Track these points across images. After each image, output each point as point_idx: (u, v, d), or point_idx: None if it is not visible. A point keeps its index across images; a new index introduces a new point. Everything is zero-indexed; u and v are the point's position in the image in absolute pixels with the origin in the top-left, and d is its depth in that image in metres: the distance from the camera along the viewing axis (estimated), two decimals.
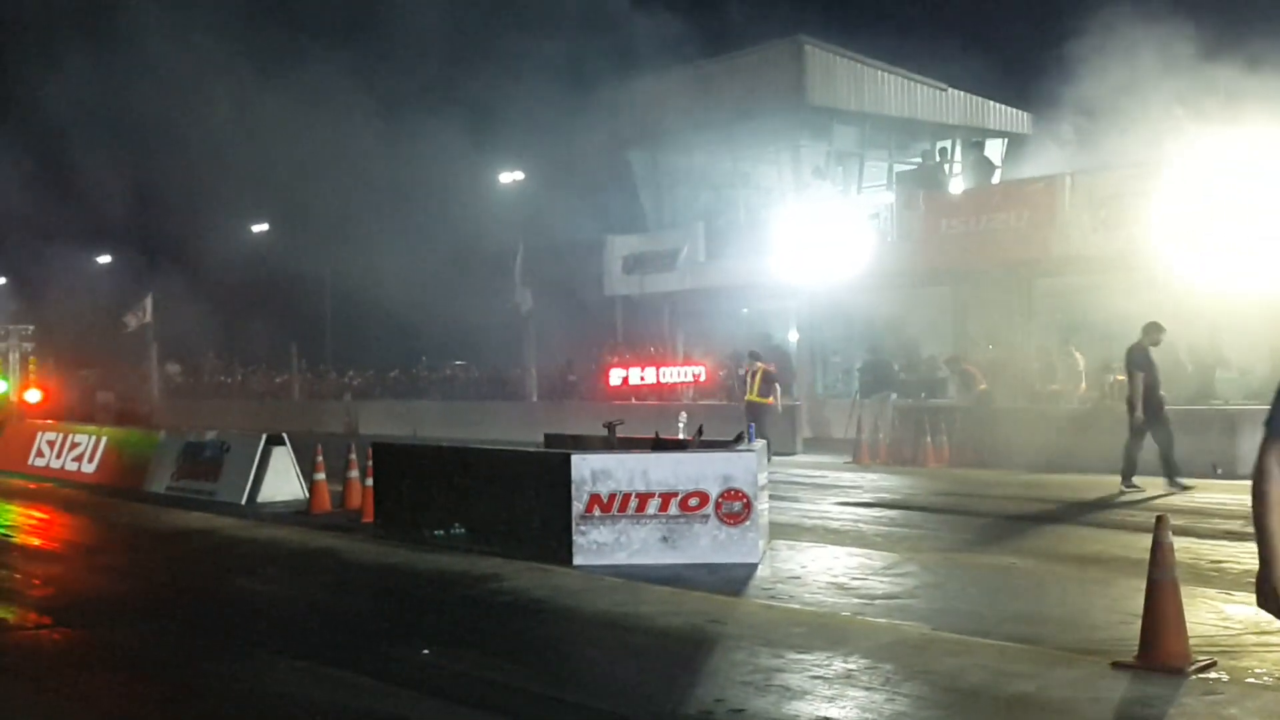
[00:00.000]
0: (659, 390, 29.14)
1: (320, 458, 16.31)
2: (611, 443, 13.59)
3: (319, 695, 7.37)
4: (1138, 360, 16.65)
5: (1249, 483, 3.78)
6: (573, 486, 11.44)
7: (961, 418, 21.54)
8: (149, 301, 41.52)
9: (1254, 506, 3.75)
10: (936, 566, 11.23)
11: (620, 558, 11.27)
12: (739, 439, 13.37)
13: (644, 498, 11.35)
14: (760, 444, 12.75)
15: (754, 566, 11.03)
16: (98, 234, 50.62)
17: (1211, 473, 17.39)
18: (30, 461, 23.21)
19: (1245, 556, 11.16)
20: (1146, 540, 7.50)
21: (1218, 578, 10.13)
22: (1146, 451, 16.75)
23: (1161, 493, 16.07)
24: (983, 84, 32.62)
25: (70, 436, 22.64)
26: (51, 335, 32.77)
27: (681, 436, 15.83)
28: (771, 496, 12.94)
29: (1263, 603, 3.77)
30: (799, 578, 10.58)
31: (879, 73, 31.76)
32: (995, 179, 28.53)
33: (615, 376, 29.55)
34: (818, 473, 20.06)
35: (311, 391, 43.12)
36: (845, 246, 26.09)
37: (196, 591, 11.34)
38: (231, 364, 49.08)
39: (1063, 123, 25.23)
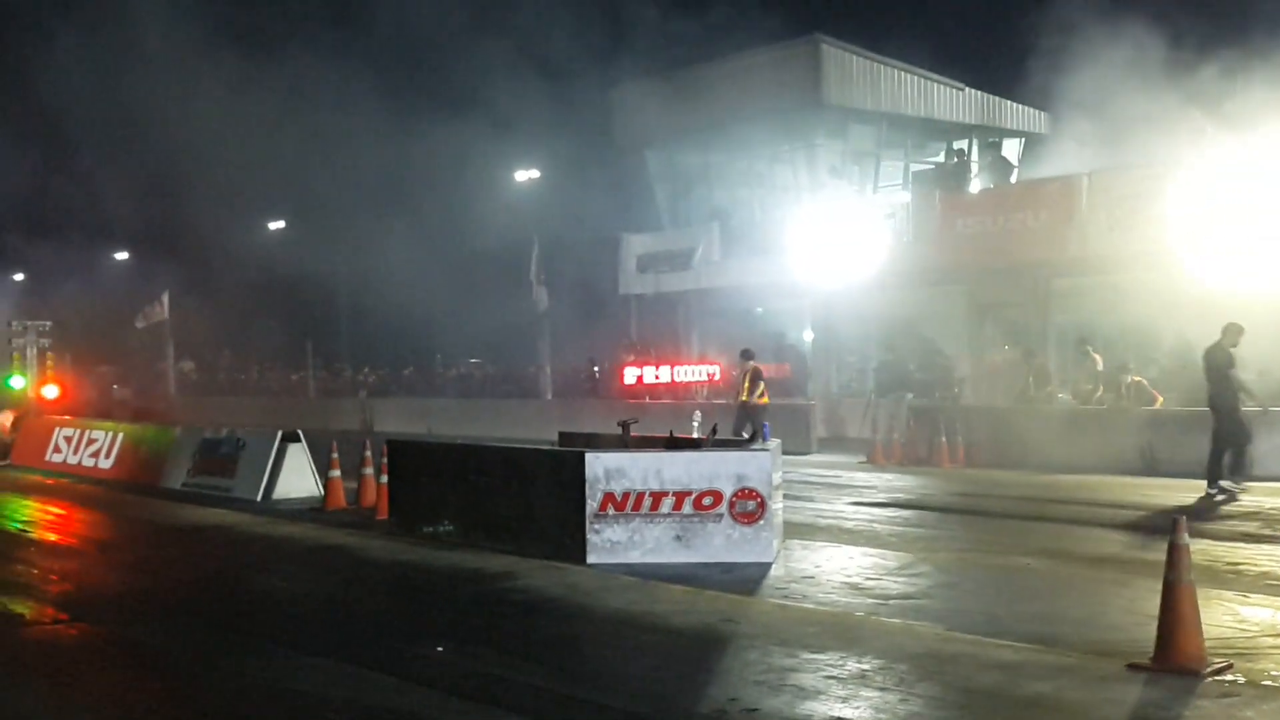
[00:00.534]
0: (673, 389, 29.14)
1: (335, 455, 16.36)
2: (626, 441, 13.59)
3: (334, 692, 7.39)
4: (1223, 361, 16.10)
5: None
6: (587, 485, 11.45)
7: (977, 418, 21.48)
8: (165, 299, 41.69)
9: None
10: (951, 567, 11.21)
11: (634, 556, 11.28)
12: (753, 438, 13.36)
13: (658, 496, 11.35)
14: (775, 443, 12.73)
15: (768, 566, 11.02)
16: (115, 232, 50.89)
17: (1228, 475, 17.31)
18: (47, 457, 23.33)
19: (1262, 559, 11.12)
20: (1163, 542, 7.48)
21: (1235, 580, 10.08)
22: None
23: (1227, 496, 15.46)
24: (1000, 83, 32.56)
25: (87, 432, 22.75)
26: (69, 332, 32.89)
27: (696, 435, 15.82)
28: (786, 496, 12.92)
29: None
30: (813, 577, 10.56)
31: (896, 72, 31.70)
32: (1013, 179, 28.45)
33: (630, 375, 29.56)
34: (832, 472, 20.03)
35: (326, 389, 43.24)
36: (861, 246, 26.04)
37: (212, 587, 11.38)
38: (247, 361, 49.24)
39: (1080, 123, 25.13)
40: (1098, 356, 21.51)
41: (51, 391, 28.41)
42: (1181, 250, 20.27)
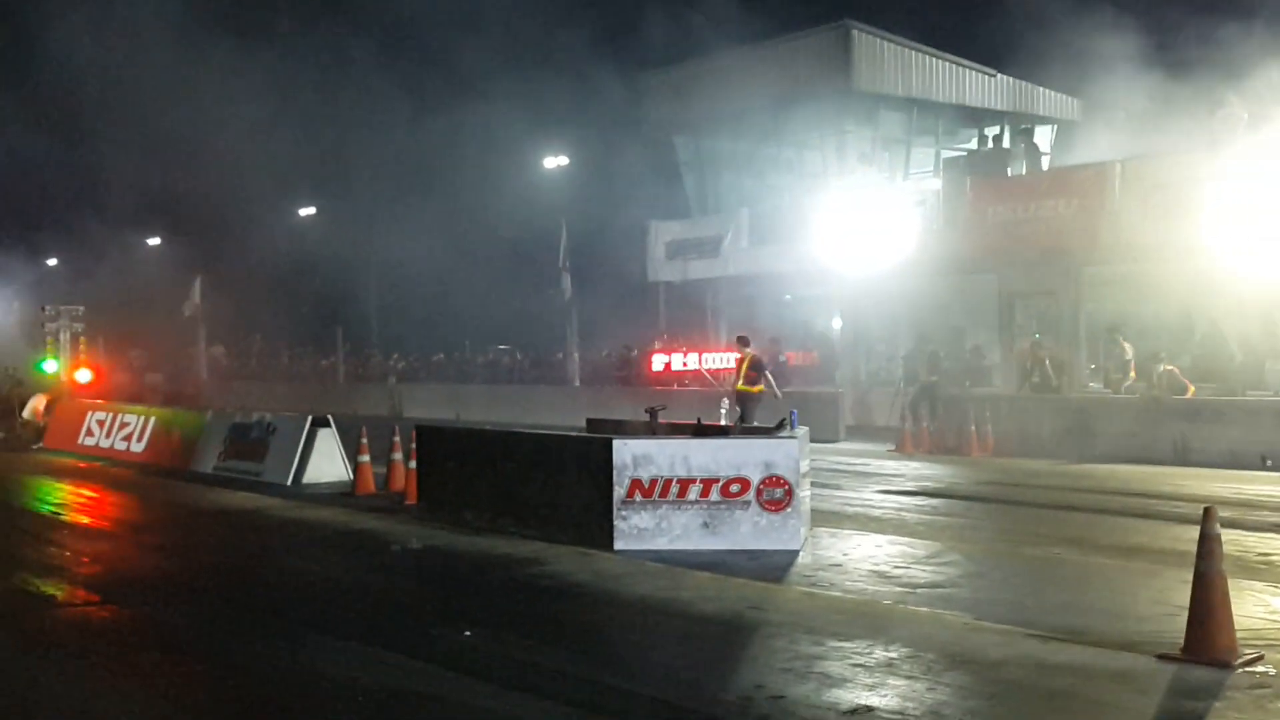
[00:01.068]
0: (701, 376, 29.11)
1: (364, 440, 16.43)
2: (653, 428, 13.59)
3: (363, 675, 7.43)
4: None
5: None
6: (614, 471, 11.46)
7: (1007, 406, 21.39)
8: (197, 284, 41.94)
9: None
10: (980, 556, 11.17)
11: (661, 543, 11.29)
12: (781, 426, 13.31)
13: (685, 483, 11.35)
14: (803, 431, 12.70)
15: (795, 553, 11.01)
16: (147, 216, 51.23)
17: (1260, 464, 17.18)
18: (80, 440, 23.54)
19: None
20: (1193, 532, 7.43)
21: (1266, 571, 10.01)
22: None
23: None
24: (1032, 69, 32.30)
25: (120, 416, 22.94)
26: (101, 316, 33.11)
27: (723, 422, 15.80)
28: (813, 484, 12.90)
29: None
30: (840, 565, 10.55)
31: (927, 58, 31.50)
32: (1043, 166, 28.24)
33: (657, 362, 29.54)
34: (860, 460, 19.98)
35: (356, 374, 43.40)
36: (890, 233, 25.91)
37: (242, 570, 11.46)
38: (277, 347, 49.50)
39: (1114, 109, 24.93)
40: (1128, 345, 21.36)
41: (84, 376, 28.63)
42: (1215, 239, 20.08)
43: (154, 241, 56.45)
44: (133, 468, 20.66)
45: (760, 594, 9.39)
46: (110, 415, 23.29)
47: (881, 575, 10.11)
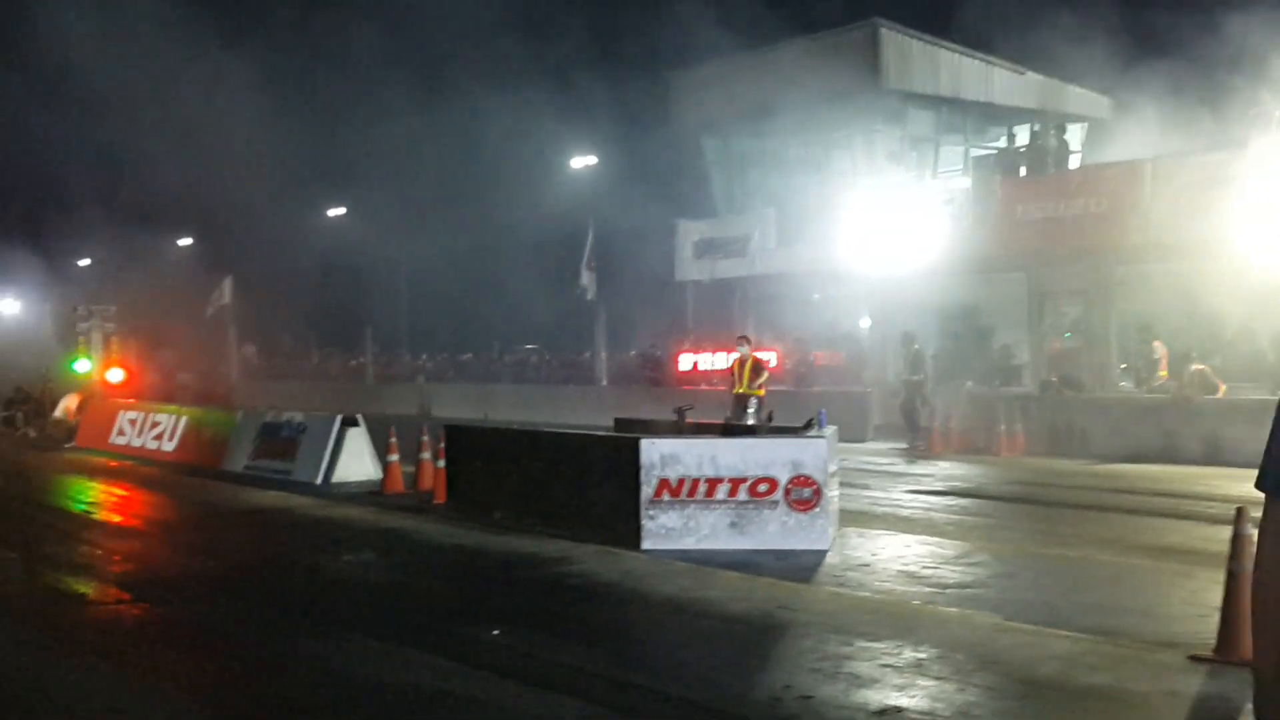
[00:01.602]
0: (729, 376, 29.03)
1: (393, 439, 16.49)
2: (681, 428, 13.59)
3: (391, 673, 7.46)
4: None
5: None
6: (642, 471, 11.46)
7: (1037, 406, 21.28)
8: (227, 284, 42.18)
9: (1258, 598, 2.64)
10: (1009, 556, 11.11)
11: (688, 543, 11.28)
12: (809, 425, 13.28)
13: (713, 483, 11.34)
14: (831, 431, 12.67)
15: (823, 553, 10.99)
16: (179, 217, 51.56)
17: None
18: (111, 439, 23.73)
19: None
20: (1225, 532, 7.37)
21: None
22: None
23: None
24: (1063, 67, 32.06)
25: (151, 416, 23.10)
26: (133, 316, 33.36)
27: (751, 422, 15.78)
28: (841, 483, 12.86)
29: None
30: (869, 565, 10.52)
31: (955, 56, 31.34)
32: (1071, 165, 28.07)
33: (685, 362, 29.51)
34: (888, 460, 19.91)
35: (385, 374, 43.57)
36: (919, 232, 25.82)
37: (272, 569, 11.52)
38: (307, 346, 49.74)
39: (1145, 107, 24.74)
40: (1158, 345, 21.22)
41: (116, 375, 28.85)
42: (1247, 237, 19.92)
43: (185, 242, 56.81)
44: (164, 467, 20.79)
45: (788, 594, 9.37)
46: (142, 415, 23.47)
47: (910, 575, 10.08)
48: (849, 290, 29.92)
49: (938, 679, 6.99)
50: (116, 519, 15.56)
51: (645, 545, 11.35)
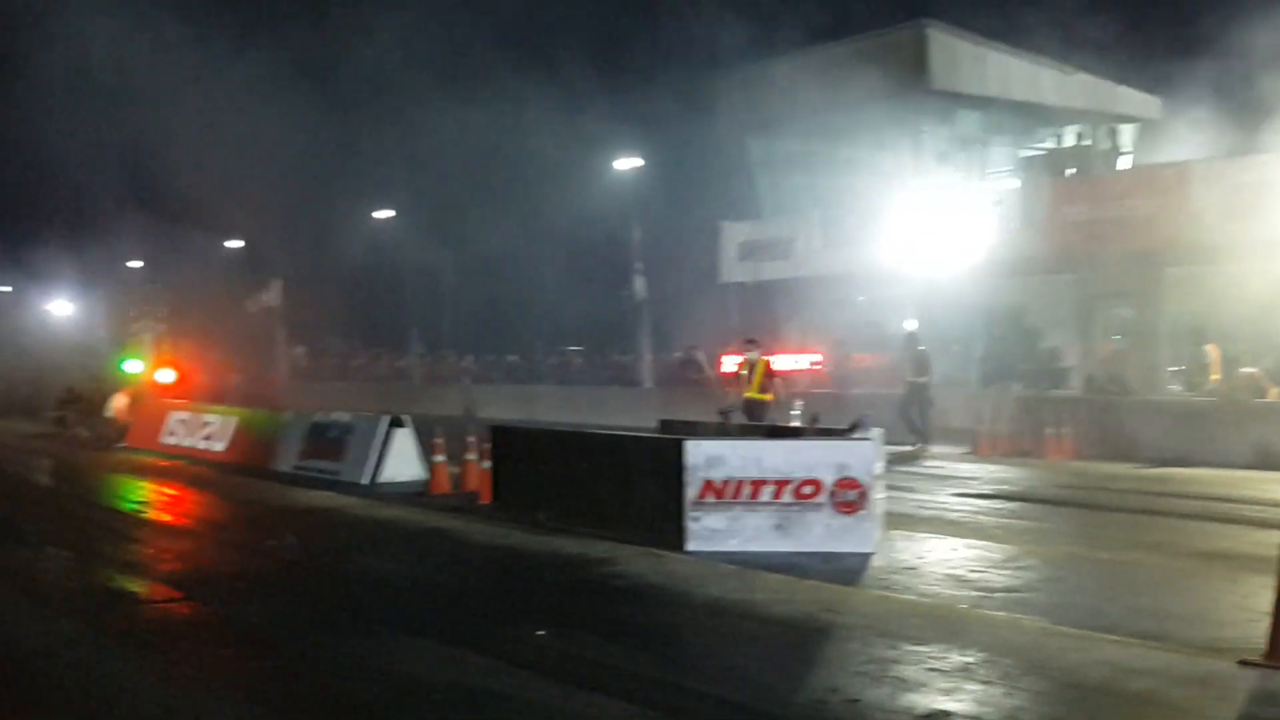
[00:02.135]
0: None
1: (439, 440, 16.59)
2: (726, 429, 13.59)
3: (436, 673, 7.51)
4: None
5: None
6: (686, 472, 11.47)
7: (1086, 409, 21.08)
8: (277, 286, 42.56)
9: None
10: (1057, 560, 11.02)
11: (733, 544, 11.27)
12: (854, 427, 13.23)
13: (758, 485, 11.33)
14: (877, 433, 12.61)
15: (869, 556, 10.94)
16: (228, 219, 52.04)
17: None
18: (161, 439, 24.00)
19: None
20: (1276, 537, 7.29)
21: None
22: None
23: None
24: (1114, 67, 31.75)
25: (201, 416, 23.35)
26: (184, 317, 33.72)
27: (796, 424, 15.75)
28: (887, 486, 12.80)
29: None
30: (915, 568, 10.47)
31: (1004, 56, 31.09)
32: (1119, 165, 27.84)
33: (729, 364, 29.44)
34: (935, 463, 19.80)
35: (431, 375, 43.80)
36: (966, 233, 25.67)
37: (320, 568, 11.63)
38: (355, 347, 50.09)
39: (1197, 107, 24.48)
40: (1210, 348, 20.97)
41: (168, 376, 29.15)
42: None
43: (234, 244, 57.34)
44: (213, 466, 21.00)
45: (834, 596, 9.35)
46: (191, 415, 23.73)
47: (957, 579, 10.02)
48: (895, 292, 29.78)
49: (985, 683, 6.95)
50: (167, 518, 15.74)
51: (689, 547, 11.36)
